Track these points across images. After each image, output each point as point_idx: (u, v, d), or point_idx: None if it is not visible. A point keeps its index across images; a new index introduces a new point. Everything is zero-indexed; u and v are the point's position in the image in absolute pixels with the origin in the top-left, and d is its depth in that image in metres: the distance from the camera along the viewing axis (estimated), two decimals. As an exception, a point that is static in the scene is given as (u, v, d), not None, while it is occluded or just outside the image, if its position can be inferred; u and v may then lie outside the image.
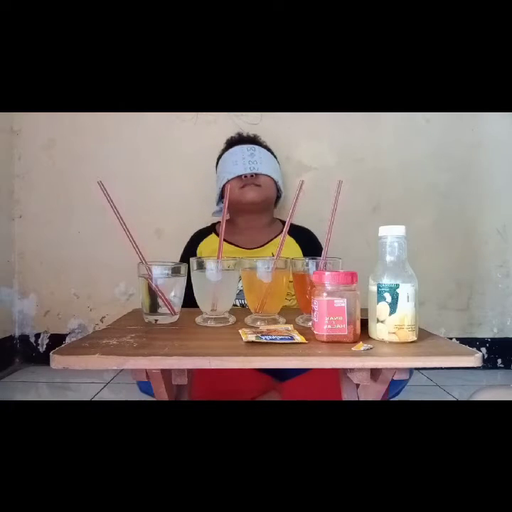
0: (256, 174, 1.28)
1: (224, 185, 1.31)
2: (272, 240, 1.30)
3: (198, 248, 1.31)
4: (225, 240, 1.29)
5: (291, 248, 1.27)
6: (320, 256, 0.78)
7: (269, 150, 1.39)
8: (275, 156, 1.41)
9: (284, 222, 1.36)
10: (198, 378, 0.95)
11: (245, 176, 1.28)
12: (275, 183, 1.34)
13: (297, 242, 1.30)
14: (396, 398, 1.01)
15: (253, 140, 1.40)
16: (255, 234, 1.32)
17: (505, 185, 1.84)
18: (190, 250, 1.32)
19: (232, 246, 1.29)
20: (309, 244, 1.30)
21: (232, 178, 1.29)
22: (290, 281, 0.80)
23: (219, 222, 1.32)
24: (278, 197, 1.42)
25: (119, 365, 0.56)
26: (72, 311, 1.81)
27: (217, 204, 1.41)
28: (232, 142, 1.40)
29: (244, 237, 1.31)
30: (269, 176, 1.31)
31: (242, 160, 1.29)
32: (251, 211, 1.32)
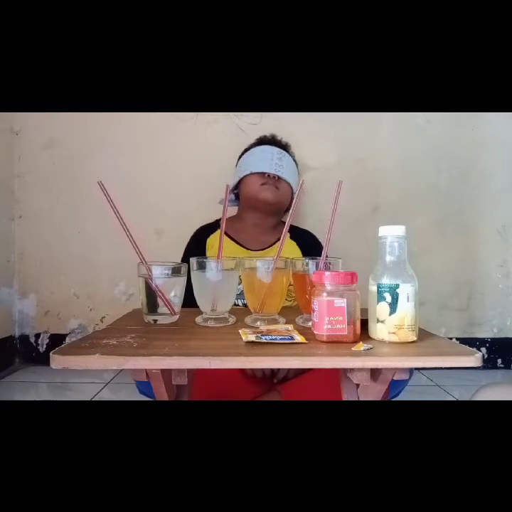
0: (279, 177, 1.29)
1: (243, 177, 1.31)
2: (275, 242, 1.30)
3: (207, 241, 1.30)
4: (231, 237, 1.30)
5: (292, 251, 1.27)
6: (321, 256, 0.78)
7: (294, 161, 1.40)
8: (297, 168, 1.42)
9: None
10: (198, 378, 0.95)
11: (269, 175, 1.28)
12: (292, 192, 1.35)
13: (298, 245, 1.30)
14: (396, 399, 1.01)
15: (284, 147, 1.40)
16: (260, 234, 1.32)
17: (505, 185, 1.84)
18: (196, 244, 1.32)
19: (238, 245, 1.29)
20: (310, 246, 1.29)
21: (255, 173, 1.29)
22: (290, 285, 0.80)
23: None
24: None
25: (119, 365, 0.56)
26: (72, 311, 1.81)
27: (232, 192, 1.40)
28: (264, 141, 1.40)
29: (249, 236, 1.31)
30: (288, 184, 1.32)
31: (271, 159, 1.30)
32: (262, 210, 1.31)
